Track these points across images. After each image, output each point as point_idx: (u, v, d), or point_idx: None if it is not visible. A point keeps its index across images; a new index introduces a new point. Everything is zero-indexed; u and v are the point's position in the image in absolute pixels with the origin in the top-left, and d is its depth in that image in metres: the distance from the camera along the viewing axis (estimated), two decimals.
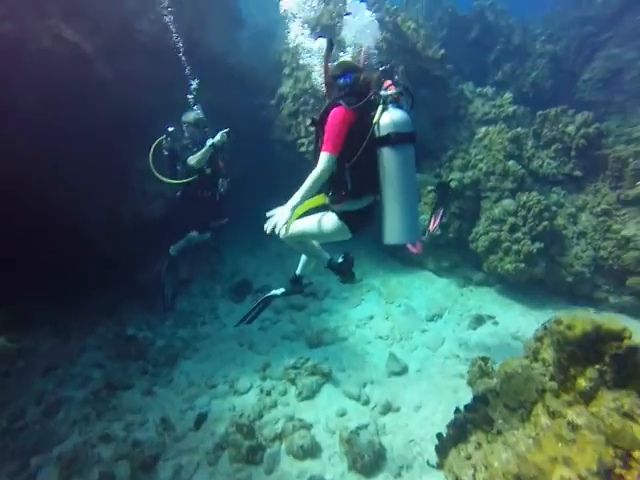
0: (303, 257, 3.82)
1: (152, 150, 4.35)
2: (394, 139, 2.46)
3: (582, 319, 1.96)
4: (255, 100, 7.61)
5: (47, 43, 4.06)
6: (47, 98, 4.24)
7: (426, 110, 6.49)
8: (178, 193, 4.76)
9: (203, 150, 4.33)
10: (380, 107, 2.53)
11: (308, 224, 3.10)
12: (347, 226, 2.92)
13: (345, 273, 3.44)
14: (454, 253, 6.29)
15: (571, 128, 6.15)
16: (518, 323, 5.21)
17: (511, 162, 5.80)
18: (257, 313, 4.09)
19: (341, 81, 2.79)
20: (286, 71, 7.14)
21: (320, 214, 3.08)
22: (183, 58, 4.78)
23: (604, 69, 9.24)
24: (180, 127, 4.63)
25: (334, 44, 2.92)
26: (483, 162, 5.96)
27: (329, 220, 3.00)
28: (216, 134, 4.34)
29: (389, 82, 3.47)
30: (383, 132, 2.49)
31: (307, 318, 5.76)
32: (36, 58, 4.06)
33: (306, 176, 2.62)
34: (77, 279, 5.08)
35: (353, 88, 2.71)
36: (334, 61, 3.30)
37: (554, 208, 5.54)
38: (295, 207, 2.58)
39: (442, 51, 6.62)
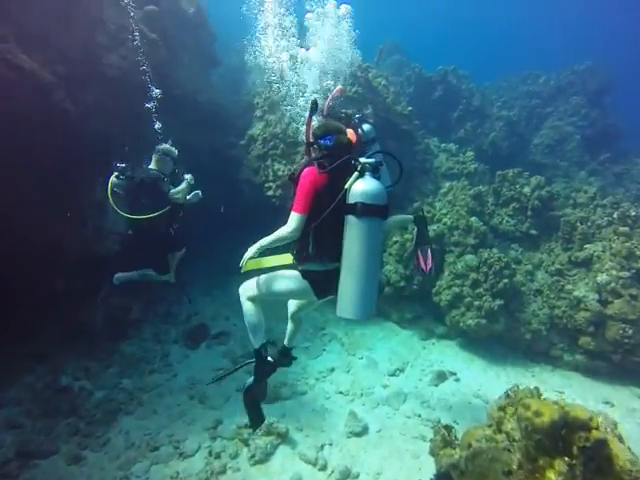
0: (289, 326, 3.67)
1: (110, 189, 4.08)
2: (360, 209, 2.33)
3: (550, 406, 1.90)
4: (224, 138, 7.56)
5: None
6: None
7: (393, 161, 6.68)
8: (130, 231, 4.39)
9: (183, 186, 4.31)
10: (355, 174, 2.45)
11: (273, 276, 2.95)
12: (310, 286, 2.77)
13: (262, 374, 3.25)
14: (417, 305, 6.30)
15: (527, 189, 6.53)
16: (479, 380, 5.19)
17: (473, 218, 6.02)
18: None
19: (321, 142, 2.72)
20: (258, 113, 7.20)
21: (285, 270, 2.96)
22: (152, 94, 4.68)
23: (550, 137, 10.45)
24: (141, 159, 4.42)
25: (318, 105, 2.91)
26: (447, 217, 6.14)
27: (293, 276, 2.87)
28: (184, 171, 4.37)
29: (353, 133, 3.54)
30: (351, 200, 2.39)
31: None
32: None
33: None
34: (4, 317, 4.54)
35: (332, 151, 2.65)
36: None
37: (513, 265, 5.72)
38: (257, 251, 2.70)
39: (410, 108, 6.96)
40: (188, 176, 4.41)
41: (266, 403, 4.72)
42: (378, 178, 2.48)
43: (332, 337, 6.16)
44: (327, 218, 2.46)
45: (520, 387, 2.84)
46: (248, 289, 2.99)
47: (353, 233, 2.39)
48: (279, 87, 6.40)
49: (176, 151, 4.46)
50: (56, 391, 4.45)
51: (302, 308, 3.50)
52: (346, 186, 2.42)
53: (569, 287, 5.34)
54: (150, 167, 4.37)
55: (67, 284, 4.94)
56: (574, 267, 5.55)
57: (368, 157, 2.59)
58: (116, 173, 4.10)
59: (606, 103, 11.07)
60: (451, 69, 10.43)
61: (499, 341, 5.74)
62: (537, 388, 2.50)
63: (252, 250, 2.73)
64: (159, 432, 4.18)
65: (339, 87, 4.44)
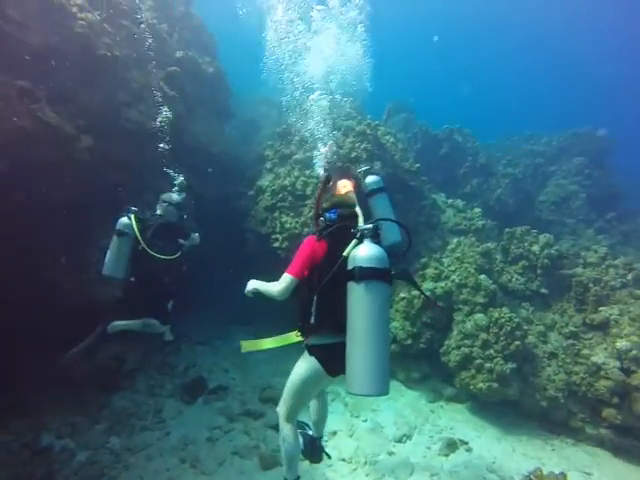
0: (312, 408, 3.37)
1: (137, 227, 4.05)
2: (358, 273, 2.23)
3: None
4: (234, 188, 7.71)
5: (26, 123, 4.01)
6: (16, 168, 4.10)
7: (401, 216, 6.72)
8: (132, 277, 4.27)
9: (193, 239, 4.50)
10: (354, 241, 2.39)
11: (290, 376, 2.83)
12: (319, 363, 2.62)
13: None
14: (425, 364, 6.03)
15: (536, 248, 6.46)
16: (493, 451, 4.80)
17: (482, 276, 5.90)
18: None
19: (327, 216, 2.77)
20: (268, 165, 7.38)
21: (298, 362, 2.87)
22: (165, 147, 4.85)
23: (555, 194, 10.55)
24: (148, 206, 4.47)
25: (330, 181, 2.95)
26: (455, 274, 6.03)
27: (302, 360, 2.77)
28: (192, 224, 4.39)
29: (350, 184, 3.56)
30: (350, 265, 2.32)
31: (264, 430, 5.10)
32: (11, 135, 3.98)
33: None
34: None
35: (335, 223, 2.68)
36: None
37: (525, 326, 5.51)
38: (252, 289, 2.79)
39: (417, 164, 7.09)
40: (196, 235, 4.58)
41: (264, 469, 4.41)
42: (378, 243, 2.39)
43: (335, 396, 5.83)
44: (327, 286, 2.41)
45: (542, 468, 2.59)
46: (281, 407, 2.90)
47: (354, 299, 2.26)
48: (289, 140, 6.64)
49: (181, 199, 4.51)
50: (34, 453, 4.10)
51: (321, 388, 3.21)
52: (344, 253, 2.37)
53: (586, 352, 5.08)
54: (158, 213, 4.42)
55: (60, 330, 4.79)
56: (589, 330, 5.33)
57: (368, 223, 2.51)
58: (132, 215, 4.13)
59: (607, 164, 11.31)
60: (457, 128, 10.82)
61: (513, 407, 5.40)
62: (564, 475, 2.26)
63: (251, 285, 2.81)
64: None
65: (329, 143, 4.62)
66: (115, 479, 4.08)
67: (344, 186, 3.43)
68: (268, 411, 5.44)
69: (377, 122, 7.43)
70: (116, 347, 5.44)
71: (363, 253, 2.28)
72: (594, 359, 4.93)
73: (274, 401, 5.60)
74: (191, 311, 7.69)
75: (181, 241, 4.36)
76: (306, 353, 2.71)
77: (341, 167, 4.34)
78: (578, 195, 10.20)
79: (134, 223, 4.06)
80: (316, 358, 2.62)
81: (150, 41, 5.66)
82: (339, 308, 2.35)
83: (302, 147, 6.98)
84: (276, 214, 6.55)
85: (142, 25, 5.80)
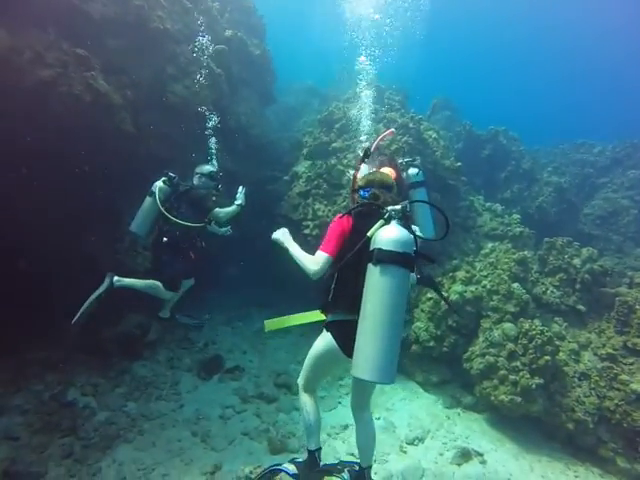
0: (356, 430, 2.98)
1: (160, 191, 4.13)
2: (378, 255, 2.14)
3: None
4: (268, 172, 7.70)
5: (77, 89, 4.13)
6: (63, 135, 4.27)
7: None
8: (165, 239, 4.22)
9: (232, 208, 4.45)
10: (381, 221, 2.30)
11: (308, 356, 2.81)
12: (334, 339, 2.53)
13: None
14: (445, 368, 5.84)
15: (577, 261, 6.09)
16: (509, 468, 4.58)
17: (516, 284, 5.62)
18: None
19: (360, 193, 2.74)
20: (305, 152, 7.31)
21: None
22: (208, 123, 4.87)
23: (602, 208, 9.89)
24: (185, 177, 4.50)
25: (369, 154, 2.86)
26: (487, 279, 5.78)
27: (320, 337, 2.71)
28: (235, 195, 4.40)
29: (393, 172, 3.43)
30: (371, 246, 2.24)
31: (275, 414, 5.11)
32: (65, 101, 4.11)
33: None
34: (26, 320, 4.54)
35: (366, 200, 2.62)
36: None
37: (557, 341, 5.21)
38: (285, 246, 2.71)
39: (459, 163, 6.83)
40: (240, 200, 4.46)
41: (272, 454, 4.41)
42: (405, 226, 2.28)
43: (350, 390, 5.75)
44: (348, 265, 2.34)
45: None
46: (300, 377, 2.91)
47: (370, 281, 2.19)
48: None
49: (215, 171, 4.50)
50: (61, 405, 4.34)
51: (358, 397, 2.92)
52: (369, 233, 2.28)
53: (625, 377, 4.73)
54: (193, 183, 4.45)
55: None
56: (631, 355, 4.95)
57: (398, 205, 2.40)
58: (164, 178, 4.20)
59: None
60: (502, 130, 10.35)
61: (534, 424, 5.13)
62: None
63: (282, 238, 2.77)
64: (153, 469, 3.92)
65: (391, 129, 4.48)
66: (130, 441, 4.22)
67: (386, 172, 3.34)
68: (282, 396, 5.45)
69: (420, 116, 7.19)
70: (140, 317, 5.60)
71: (386, 235, 2.20)
72: (634, 386, 4.58)
73: (288, 387, 5.64)
74: (215, 290, 7.82)
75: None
76: (324, 330, 2.65)
77: (385, 155, 4.21)
78: (629, 211, 9.51)
79: (160, 185, 4.16)
80: (331, 334, 2.55)
81: (201, 17, 5.69)
82: (357, 288, 2.28)
83: (342, 136, 6.85)
84: (309, 200, 6.49)
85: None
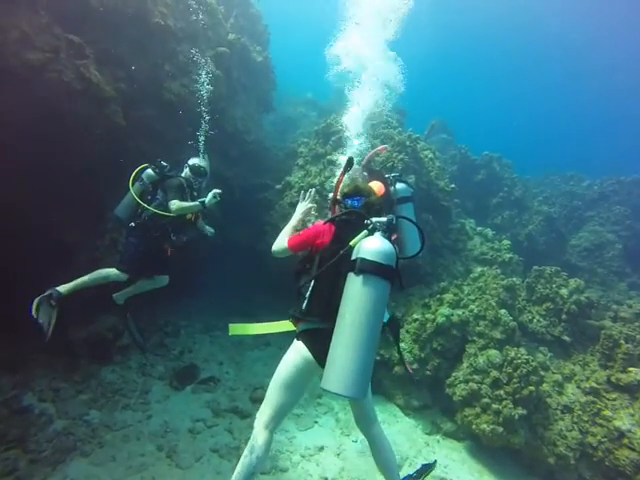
0: (375, 460, 2.70)
1: (134, 175, 3.95)
2: (359, 266, 2.09)
3: None
4: (260, 180, 7.58)
5: (68, 77, 3.97)
6: (52, 125, 4.09)
7: (426, 236, 6.44)
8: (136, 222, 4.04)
9: (191, 204, 3.96)
10: (364, 232, 2.27)
11: (274, 377, 2.54)
12: (307, 348, 2.36)
13: None
14: (427, 392, 5.67)
15: (564, 291, 6.06)
16: None
17: (503, 311, 5.54)
18: None
19: (348, 202, 2.67)
20: (300, 162, 7.22)
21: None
22: (201, 124, 4.73)
23: (589, 241, 10.05)
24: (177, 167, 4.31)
25: (353, 164, 2.79)
26: (475, 304, 5.69)
27: (290, 349, 2.51)
28: (208, 193, 3.99)
29: (381, 187, 3.36)
30: (353, 256, 2.19)
31: (248, 431, 4.72)
32: (53, 88, 3.94)
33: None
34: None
35: (356, 210, 2.55)
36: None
37: (541, 372, 5.11)
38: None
39: (453, 185, 6.81)
40: (206, 199, 3.94)
41: None
42: (388, 238, 2.24)
43: (328, 409, 5.54)
44: (327, 273, 2.27)
45: None
46: (262, 409, 2.54)
47: (349, 291, 2.11)
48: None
49: (202, 167, 4.25)
50: (12, 412, 3.95)
51: (357, 412, 2.71)
52: (351, 242, 2.24)
53: (608, 413, 4.63)
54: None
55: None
56: (614, 390, 4.88)
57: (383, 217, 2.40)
58: (153, 166, 4.04)
59: None
60: (496, 156, 10.50)
61: (514, 456, 4.98)
62: None
63: (297, 209, 3.18)
64: None
65: (384, 146, 4.42)
66: (87, 455, 3.90)
67: (378, 187, 3.25)
68: (256, 412, 5.19)
69: (418, 135, 7.19)
70: (114, 319, 5.32)
71: (370, 245, 2.16)
72: (617, 424, 4.49)
73: None
74: (197, 297, 7.57)
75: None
76: (295, 341, 2.48)
77: (374, 170, 4.13)
78: (614, 245, 9.68)
79: (149, 171, 4.01)
80: (304, 343, 2.39)
81: (205, 18, 5.62)
82: (335, 297, 2.20)
83: (337, 149, 6.79)
84: None
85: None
